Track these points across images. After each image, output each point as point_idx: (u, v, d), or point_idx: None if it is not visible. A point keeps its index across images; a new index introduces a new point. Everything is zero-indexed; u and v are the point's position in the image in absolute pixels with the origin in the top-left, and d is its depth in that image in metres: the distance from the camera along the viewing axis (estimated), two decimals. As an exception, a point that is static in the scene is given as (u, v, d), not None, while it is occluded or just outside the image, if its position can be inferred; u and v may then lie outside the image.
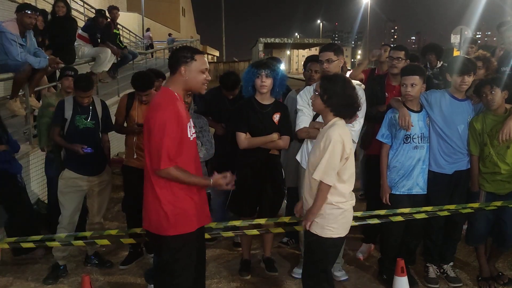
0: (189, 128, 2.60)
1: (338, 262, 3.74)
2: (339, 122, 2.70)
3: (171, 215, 2.53)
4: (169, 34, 26.97)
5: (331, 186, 2.64)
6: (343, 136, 2.64)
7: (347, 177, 2.72)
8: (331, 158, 2.61)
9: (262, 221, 3.48)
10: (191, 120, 2.67)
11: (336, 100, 2.67)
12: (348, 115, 2.76)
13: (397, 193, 3.50)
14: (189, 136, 2.58)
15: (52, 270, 3.89)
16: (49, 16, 6.76)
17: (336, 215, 2.69)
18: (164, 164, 2.44)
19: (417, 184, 3.51)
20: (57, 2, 6.75)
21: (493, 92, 3.31)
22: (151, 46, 21.21)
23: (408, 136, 3.45)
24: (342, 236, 2.76)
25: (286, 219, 3.52)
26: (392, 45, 4.60)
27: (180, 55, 2.54)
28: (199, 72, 2.55)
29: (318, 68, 3.68)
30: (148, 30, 23.64)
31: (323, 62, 3.42)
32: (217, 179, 2.64)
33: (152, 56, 17.50)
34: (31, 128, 5.26)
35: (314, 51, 26.32)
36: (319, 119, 3.59)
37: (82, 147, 3.72)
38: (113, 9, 9.09)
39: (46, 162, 4.51)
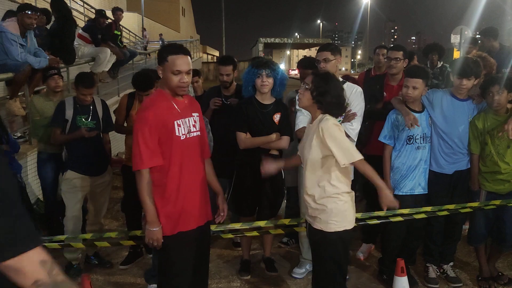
0: (180, 126, 2.49)
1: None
2: (329, 117, 2.67)
3: (164, 215, 2.50)
4: (160, 35, 26.87)
5: (362, 158, 2.58)
6: (336, 124, 2.63)
7: (344, 168, 2.67)
8: (340, 140, 2.57)
9: (262, 223, 3.47)
10: (190, 119, 2.57)
11: (328, 98, 2.64)
12: (336, 114, 2.74)
13: (400, 193, 3.49)
14: (178, 134, 2.48)
15: (65, 270, 3.85)
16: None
17: (338, 207, 2.65)
18: (135, 166, 2.44)
19: (419, 184, 3.51)
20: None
21: (500, 92, 3.30)
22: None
23: (411, 137, 3.45)
24: (348, 228, 2.70)
25: (286, 221, 3.51)
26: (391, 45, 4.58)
27: (159, 55, 2.50)
28: (170, 73, 2.44)
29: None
30: (144, 30, 23.71)
31: (320, 62, 3.43)
32: (151, 234, 2.48)
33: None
34: (31, 128, 5.26)
35: (314, 51, 26.30)
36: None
37: (85, 129, 3.72)
38: (117, 11, 9.20)
39: (38, 163, 4.42)
